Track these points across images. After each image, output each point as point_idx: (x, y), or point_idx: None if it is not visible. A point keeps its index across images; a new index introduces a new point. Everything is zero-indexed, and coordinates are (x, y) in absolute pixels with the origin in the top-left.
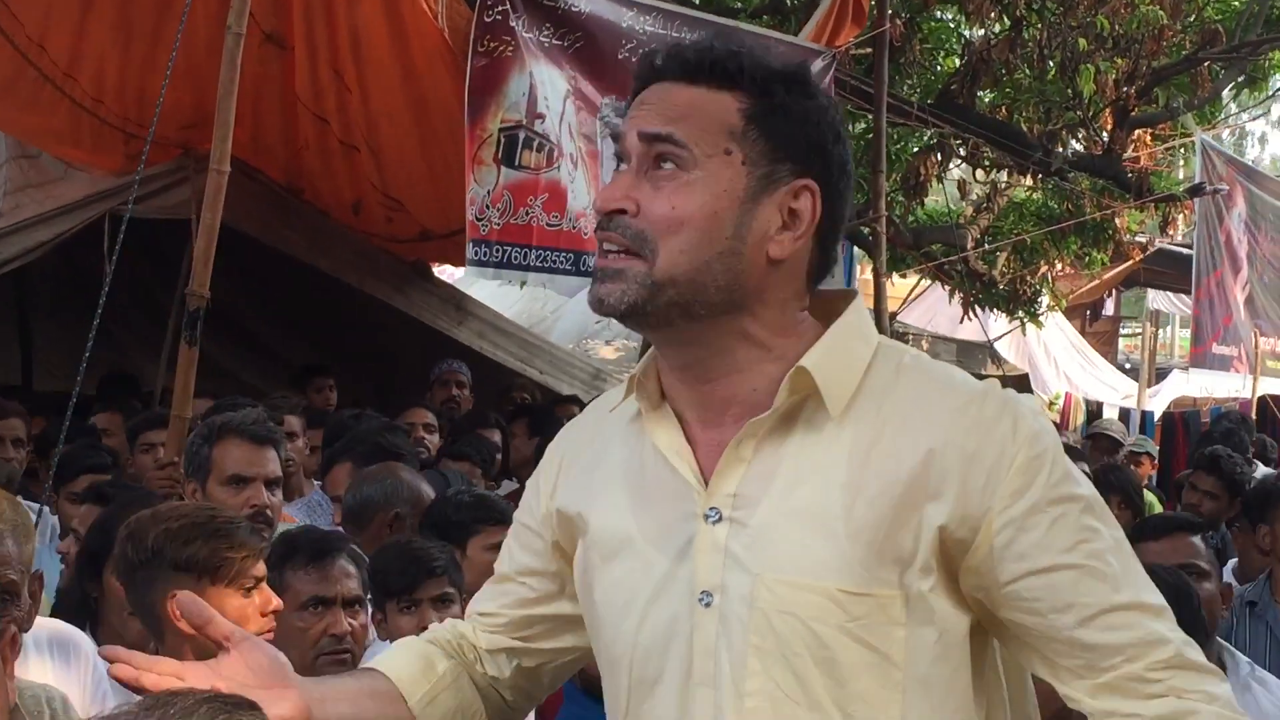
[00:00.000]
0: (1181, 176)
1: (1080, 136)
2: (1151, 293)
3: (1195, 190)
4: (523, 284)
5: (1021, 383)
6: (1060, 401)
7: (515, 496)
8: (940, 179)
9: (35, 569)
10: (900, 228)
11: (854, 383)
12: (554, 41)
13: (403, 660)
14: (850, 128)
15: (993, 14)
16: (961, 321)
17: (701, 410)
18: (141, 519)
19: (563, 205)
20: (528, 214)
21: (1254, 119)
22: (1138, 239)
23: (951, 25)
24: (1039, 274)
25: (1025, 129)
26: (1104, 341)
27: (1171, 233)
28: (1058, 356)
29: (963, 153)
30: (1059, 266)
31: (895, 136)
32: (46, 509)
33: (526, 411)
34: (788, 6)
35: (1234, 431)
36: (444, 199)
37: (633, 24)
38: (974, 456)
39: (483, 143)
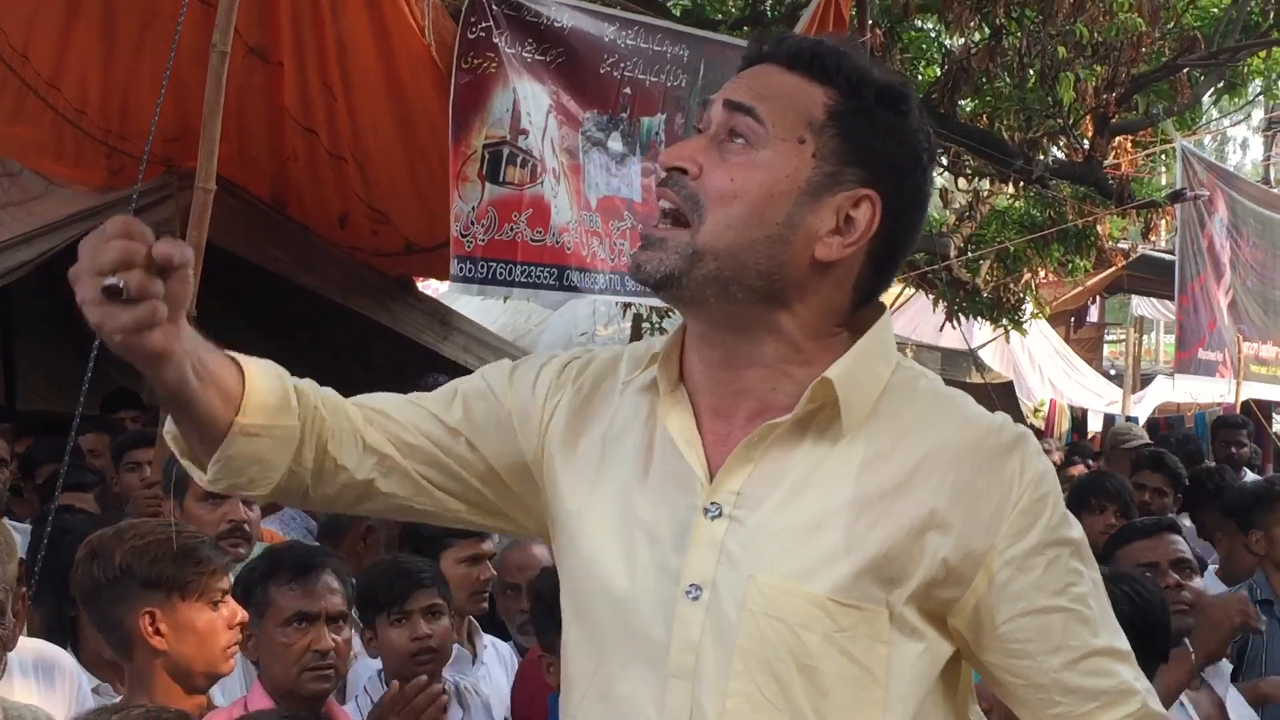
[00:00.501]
0: (1164, 182)
1: (1061, 144)
2: (1135, 299)
3: (1176, 196)
4: (506, 298)
5: (1006, 390)
6: (1045, 408)
7: None
8: None
9: (21, 588)
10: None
11: (871, 400)
12: (536, 57)
13: (266, 381)
14: None
15: (972, 23)
16: (941, 329)
17: (716, 398)
18: (104, 538)
19: (546, 220)
20: (512, 230)
21: (1234, 124)
22: (1120, 246)
23: (931, 35)
24: (1022, 282)
25: (1006, 137)
26: (1089, 348)
27: (1154, 239)
28: (1042, 364)
29: (944, 161)
30: (1042, 274)
31: None
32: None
33: None
34: (768, 18)
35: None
36: (429, 211)
37: (615, 39)
38: (982, 492)
39: (467, 159)
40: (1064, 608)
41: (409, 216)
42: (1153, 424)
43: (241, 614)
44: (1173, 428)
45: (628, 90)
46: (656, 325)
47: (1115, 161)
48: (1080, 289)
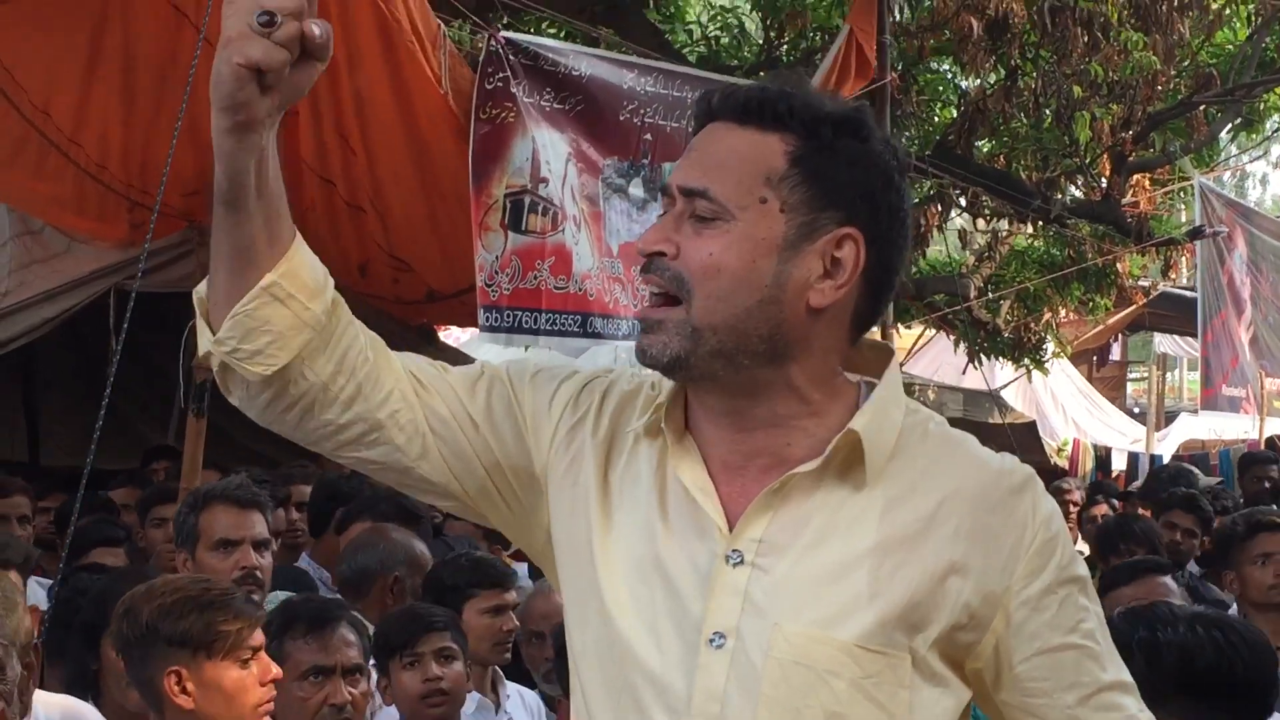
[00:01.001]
0: (1183, 219)
1: (1079, 183)
2: (1158, 336)
3: (1195, 233)
4: (527, 346)
5: (1029, 430)
6: (1069, 448)
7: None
8: (941, 229)
9: (34, 640)
10: (903, 279)
11: (890, 446)
12: (555, 105)
13: (313, 261)
14: None
15: (988, 64)
16: (965, 371)
17: (727, 453)
18: (135, 596)
19: (569, 268)
20: (536, 278)
21: (1253, 160)
22: (1140, 283)
23: (947, 76)
24: (1043, 321)
25: (1024, 177)
26: (1112, 386)
27: (1174, 276)
28: (1065, 403)
29: (963, 202)
30: (1063, 313)
31: None
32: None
33: None
34: (783, 63)
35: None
36: (450, 259)
37: (633, 85)
38: (997, 534)
39: (489, 209)
40: (1076, 644)
41: (431, 265)
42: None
43: (275, 670)
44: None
45: (649, 136)
46: None
47: (1133, 199)
48: (1102, 327)
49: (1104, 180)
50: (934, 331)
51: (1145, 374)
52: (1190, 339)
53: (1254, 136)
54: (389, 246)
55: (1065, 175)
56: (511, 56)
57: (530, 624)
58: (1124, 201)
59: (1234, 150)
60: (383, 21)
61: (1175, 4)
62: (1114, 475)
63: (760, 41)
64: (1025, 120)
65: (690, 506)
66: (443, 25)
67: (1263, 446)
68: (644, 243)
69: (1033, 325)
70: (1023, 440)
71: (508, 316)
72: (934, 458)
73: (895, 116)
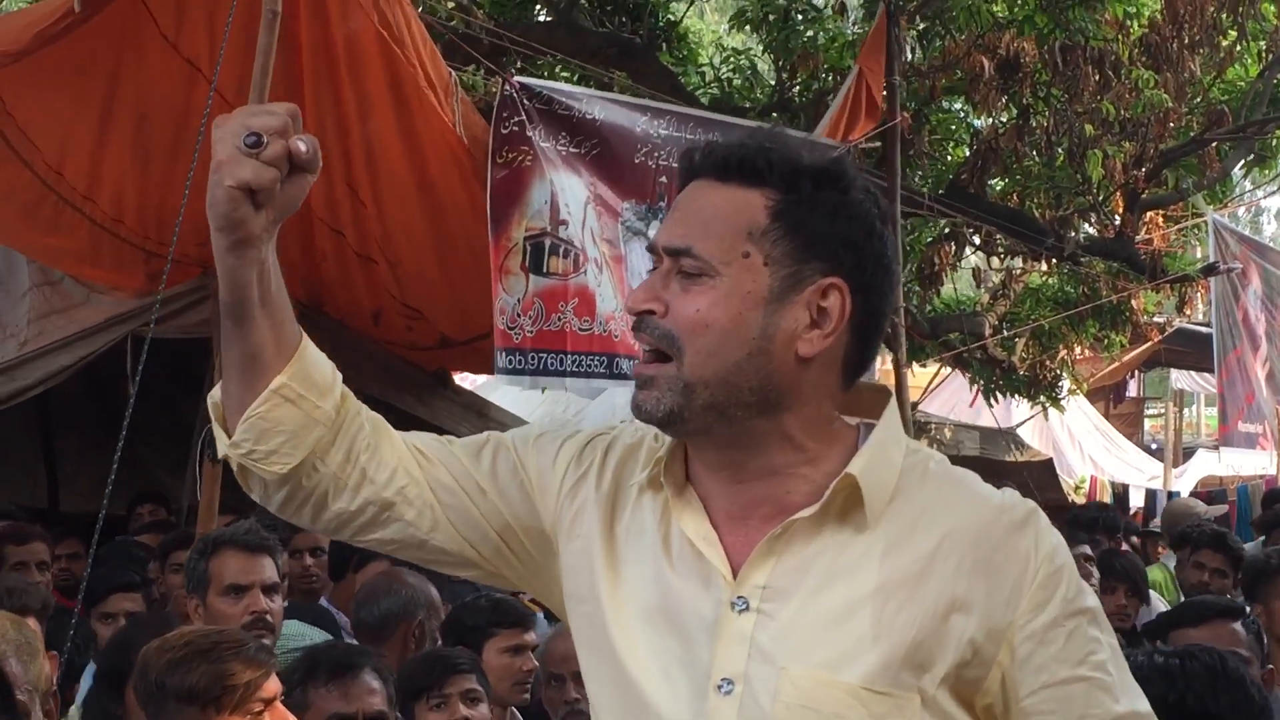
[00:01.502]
0: (1197, 256)
1: (1092, 220)
2: (1174, 373)
3: (1209, 270)
4: (544, 389)
5: (1046, 468)
6: (1086, 485)
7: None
8: (955, 267)
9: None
10: (918, 317)
11: (890, 488)
12: (571, 149)
13: (319, 359)
14: None
15: (999, 103)
16: (975, 404)
17: (727, 504)
18: (149, 651)
19: (593, 309)
20: (560, 320)
21: (1267, 196)
22: (1155, 320)
23: (960, 115)
24: (1058, 358)
25: (1037, 215)
26: (1129, 423)
27: (1189, 312)
28: (1082, 440)
29: (976, 241)
30: (1078, 350)
31: (909, 227)
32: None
33: None
34: (796, 104)
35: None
36: (463, 305)
37: (646, 129)
38: (1000, 569)
39: (509, 252)
40: (1085, 677)
41: (443, 312)
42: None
43: None
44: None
45: (664, 179)
46: None
47: (1147, 236)
48: (1117, 364)
49: (1117, 217)
50: (949, 370)
51: (1162, 410)
52: (1208, 375)
53: (1267, 172)
54: (401, 296)
55: (1078, 213)
56: (526, 101)
57: (550, 666)
58: (1137, 238)
59: (1247, 186)
60: (394, 70)
61: (1186, 42)
62: (1132, 512)
63: (772, 83)
64: (1038, 159)
65: (695, 556)
66: (454, 73)
67: None
68: (633, 302)
69: (1048, 363)
70: (1040, 478)
71: (531, 359)
72: (934, 496)
73: (908, 156)
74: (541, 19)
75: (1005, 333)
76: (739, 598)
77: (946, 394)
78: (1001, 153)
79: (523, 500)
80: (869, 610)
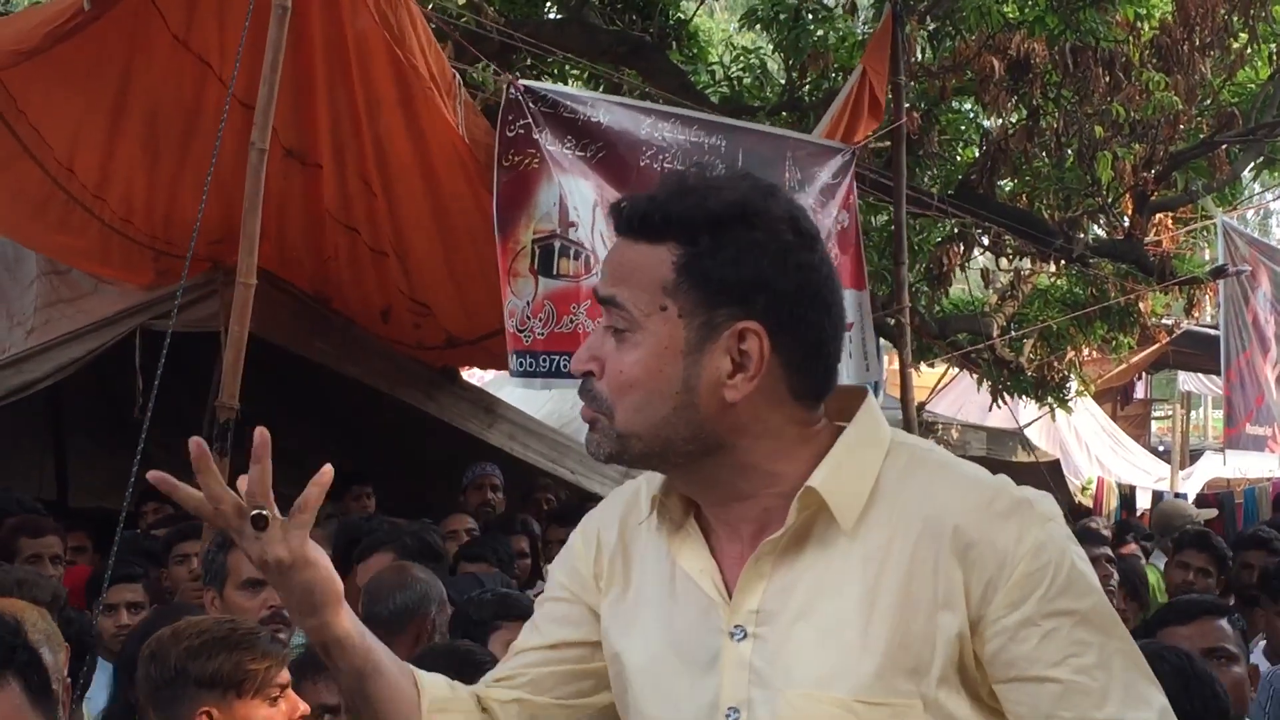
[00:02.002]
0: (1206, 258)
1: (1101, 222)
2: (1182, 374)
3: (1218, 272)
4: (553, 389)
5: (1053, 469)
6: (1093, 486)
7: None
8: (964, 268)
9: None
10: (925, 318)
11: (865, 492)
12: (577, 153)
13: (431, 676)
14: (871, 220)
15: (1009, 104)
16: (991, 409)
17: (720, 526)
18: (162, 638)
19: None
20: (572, 321)
21: (1276, 199)
22: (1164, 322)
23: (969, 116)
24: (1066, 360)
25: (1046, 216)
26: (1136, 425)
27: (1197, 315)
28: (1089, 441)
29: (985, 241)
30: (1086, 351)
31: (917, 227)
32: None
33: (561, 514)
34: (806, 103)
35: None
36: (469, 306)
37: (651, 132)
38: (975, 564)
39: (516, 255)
40: (1059, 679)
41: (449, 311)
42: (1201, 501)
43: (303, 707)
44: (1222, 506)
45: None
46: None
47: (1156, 238)
48: (1125, 366)
49: (1126, 219)
50: (957, 370)
51: (1169, 412)
52: (1215, 377)
53: (1277, 175)
54: (409, 290)
55: (1087, 214)
56: (531, 104)
57: None
58: (1146, 240)
59: (1257, 188)
60: (399, 69)
61: (1197, 44)
62: (1139, 514)
63: (782, 82)
64: (1047, 160)
65: (694, 590)
66: (458, 75)
67: None
68: (575, 364)
69: (1056, 364)
70: (1046, 479)
71: (543, 361)
72: (916, 490)
73: (917, 156)
74: (551, 17)
75: (1013, 333)
76: (736, 626)
77: (954, 394)
78: (1011, 154)
79: (583, 617)
80: (855, 622)
